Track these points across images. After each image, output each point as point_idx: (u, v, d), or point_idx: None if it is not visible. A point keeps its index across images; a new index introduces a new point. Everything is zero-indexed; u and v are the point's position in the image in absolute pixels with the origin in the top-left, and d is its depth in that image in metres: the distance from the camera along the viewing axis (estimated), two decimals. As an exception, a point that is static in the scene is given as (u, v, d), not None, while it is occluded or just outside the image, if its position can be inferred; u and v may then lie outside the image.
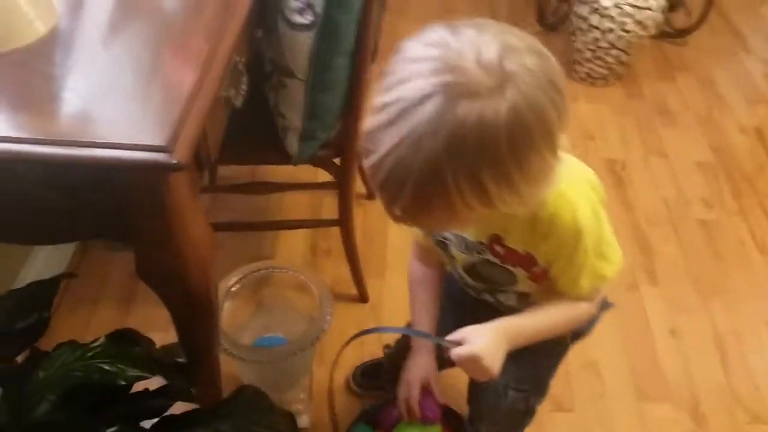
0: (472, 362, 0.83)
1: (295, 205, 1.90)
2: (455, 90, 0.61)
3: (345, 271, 1.66)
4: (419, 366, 1.06)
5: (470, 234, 0.90)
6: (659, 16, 2.28)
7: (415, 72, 0.64)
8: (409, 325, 1.12)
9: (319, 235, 1.83)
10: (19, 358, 1.01)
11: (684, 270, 1.83)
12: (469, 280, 1.01)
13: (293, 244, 1.82)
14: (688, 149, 2.22)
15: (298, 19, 1.08)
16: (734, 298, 1.77)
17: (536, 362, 0.95)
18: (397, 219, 0.71)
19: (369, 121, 0.67)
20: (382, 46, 2.53)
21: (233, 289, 1.32)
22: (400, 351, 1.21)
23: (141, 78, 0.83)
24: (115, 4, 0.97)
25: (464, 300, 1.08)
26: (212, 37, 0.88)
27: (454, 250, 0.95)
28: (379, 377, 1.44)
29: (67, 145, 0.73)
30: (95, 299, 1.63)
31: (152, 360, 0.96)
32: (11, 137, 0.74)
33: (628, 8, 2.20)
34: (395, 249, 1.83)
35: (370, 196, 1.95)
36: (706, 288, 1.79)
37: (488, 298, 1.04)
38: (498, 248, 0.89)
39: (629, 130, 2.29)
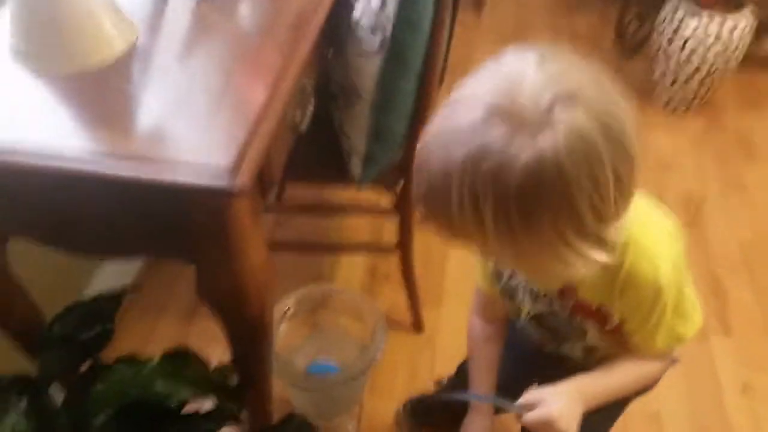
0: (547, 425, 0.79)
1: (357, 228, 1.89)
2: (507, 120, 0.59)
3: (402, 298, 1.63)
4: (478, 427, 1.03)
5: (540, 283, 0.86)
6: (748, 40, 2.15)
7: (475, 96, 0.63)
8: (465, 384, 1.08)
9: (378, 260, 1.81)
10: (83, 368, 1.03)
11: (761, 320, 1.71)
12: (534, 332, 0.97)
13: (353, 268, 1.80)
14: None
15: (368, 40, 1.08)
16: (813, 352, 1.65)
17: (596, 417, 0.90)
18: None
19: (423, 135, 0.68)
20: (455, 58, 2.50)
21: (289, 312, 1.32)
22: (452, 386, 1.18)
23: (212, 97, 0.83)
24: (192, 23, 0.98)
25: (525, 351, 1.04)
26: (282, 58, 0.88)
27: (520, 298, 0.91)
28: (428, 414, 1.40)
29: (136, 160, 0.74)
30: (160, 311, 1.66)
31: (205, 381, 0.96)
32: (85, 155, 0.75)
33: (713, 29, 2.09)
34: (454, 278, 1.79)
35: (431, 222, 1.93)
36: (784, 340, 1.67)
37: (552, 350, 0.99)
38: (569, 300, 0.85)
39: (709, 163, 2.17)
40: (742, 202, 2.04)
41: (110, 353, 0.97)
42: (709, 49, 2.12)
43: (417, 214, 0.70)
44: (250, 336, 0.96)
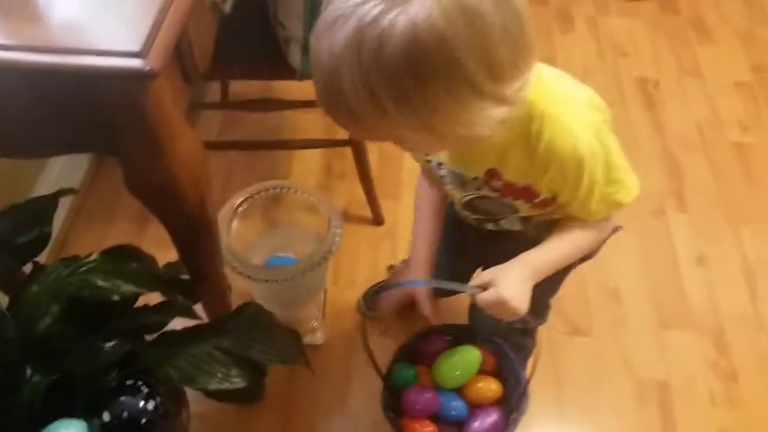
0: (499, 306, 0.81)
1: (310, 125, 1.86)
2: None
3: (360, 192, 1.63)
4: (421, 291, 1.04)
5: (465, 170, 0.86)
6: None
7: None
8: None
9: (334, 155, 1.79)
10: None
11: (715, 196, 1.75)
12: (469, 214, 0.97)
13: (308, 164, 1.79)
14: (726, 69, 2.08)
15: None
16: (766, 226, 1.69)
17: (541, 287, 0.92)
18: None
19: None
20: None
21: (240, 208, 1.31)
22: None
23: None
24: None
25: (464, 229, 1.05)
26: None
27: (450, 188, 0.91)
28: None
29: (39, 51, 0.69)
30: (110, 216, 1.64)
31: (150, 276, 0.96)
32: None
33: None
34: (411, 170, 1.77)
35: (387, 116, 1.90)
36: (737, 215, 1.71)
37: (491, 226, 1.00)
38: (495, 183, 0.84)
39: (663, 47, 2.15)
40: (697, 84, 2.04)
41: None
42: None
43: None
44: (191, 230, 0.95)
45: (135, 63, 0.68)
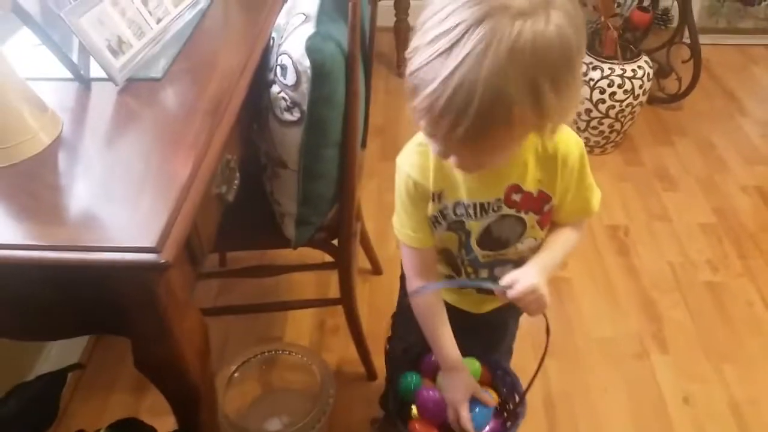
0: (532, 294, 0.90)
1: (303, 285, 1.94)
2: (504, 12, 0.69)
3: (353, 348, 1.67)
4: (461, 384, 1.05)
5: (485, 196, 0.96)
6: (649, 84, 2.35)
7: (456, 8, 0.71)
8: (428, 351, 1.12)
9: (327, 314, 1.86)
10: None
11: (694, 336, 1.81)
12: (479, 254, 1.03)
13: (302, 324, 1.84)
14: (691, 212, 2.24)
15: (287, 116, 1.16)
16: (747, 363, 1.74)
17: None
18: (455, 148, 0.80)
19: (415, 60, 0.74)
20: (384, 122, 2.64)
21: (235, 375, 1.35)
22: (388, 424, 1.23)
23: (135, 181, 0.89)
24: (114, 111, 1.05)
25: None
26: (201, 142, 0.95)
27: (471, 222, 0.99)
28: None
29: (64, 250, 0.79)
30: (110, 387, 1.67)
31: (152, 450, 0.99)
32: (16, 244, 0.80)
33: (617, 79, 2.28)
34: (401, 325, 1.85)
35: (376, 272, 1.99)
36: (718, 353, 1.76)
37: (497, 271, 1.06)
38: (515, 197, 0.96)
39: (630, 196, 2.32)
40: (666, 229, 2.18)
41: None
42: (614, 95, 2.31)
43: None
44: (192, 402, 1.00)
45: (151, 257, 0.77)
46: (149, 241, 0.78)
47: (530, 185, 0.95)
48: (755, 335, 1.82)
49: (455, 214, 0.98)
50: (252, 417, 1.41)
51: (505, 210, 0.97)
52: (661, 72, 2.70)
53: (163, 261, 0.77)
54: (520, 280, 0.91)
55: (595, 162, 2.44)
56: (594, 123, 2.40)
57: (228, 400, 1.32)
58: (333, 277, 1.91)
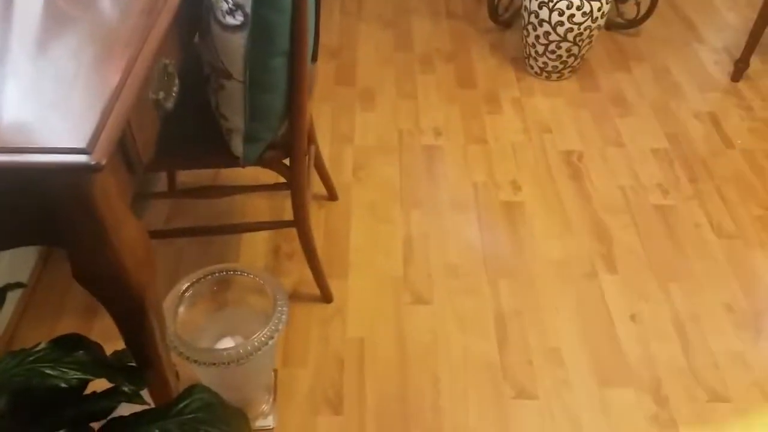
0: None
1: (257, 209, 1.92)
2: None
3: (308, 272, 1.67)
4: None
5: None
6: (608, 8, 2.33)
7: None
8: None
9: (281, 237, 1.85)
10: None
11: (643, 256, 1.87)
12: None
13: (256, 247, 1.83)
14: (644, 138, 2.26)
15: (229, 20, 1.10)
16: (692, 282, 1.80)
17: None
18: None
19: None
20: (339, 44, 2.58)
21: (187, 294, 1.34)
22: None
23: (65, 83, 0.84)
24: (43, 12, 0.99)
25: None
26: (135, 41, 0.90)
27: None
28: None
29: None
30: (58, 311, 1.64)
31: (96, 363, 0.97)
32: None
33: (576, 0, 2.25)
34: (358, 249, 1.85)
35: (332, 197, 1.98)
36: (665, 273, 1.82)
37: None
38: None
39: (586, 121, 2.33)
40: (619, 154, 2.20)
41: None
42: (574, 15, 2.28)
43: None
44: (136, 316, 0.98)
45: (81, 158, 0.74)
46: (79, 142, 0.75)
47: None
48: (701, 256, 1.87)
49: None
50: (204, 336, 1.40)
51: None
52: (620, -4, 2.68)
53: (94, 162, 0.74)
54: None
55: (553, 88, 2.46)
56: (552, 47, 2.37)
57: (180, 321, 1.31)
58: (287, 202, 1.90)
